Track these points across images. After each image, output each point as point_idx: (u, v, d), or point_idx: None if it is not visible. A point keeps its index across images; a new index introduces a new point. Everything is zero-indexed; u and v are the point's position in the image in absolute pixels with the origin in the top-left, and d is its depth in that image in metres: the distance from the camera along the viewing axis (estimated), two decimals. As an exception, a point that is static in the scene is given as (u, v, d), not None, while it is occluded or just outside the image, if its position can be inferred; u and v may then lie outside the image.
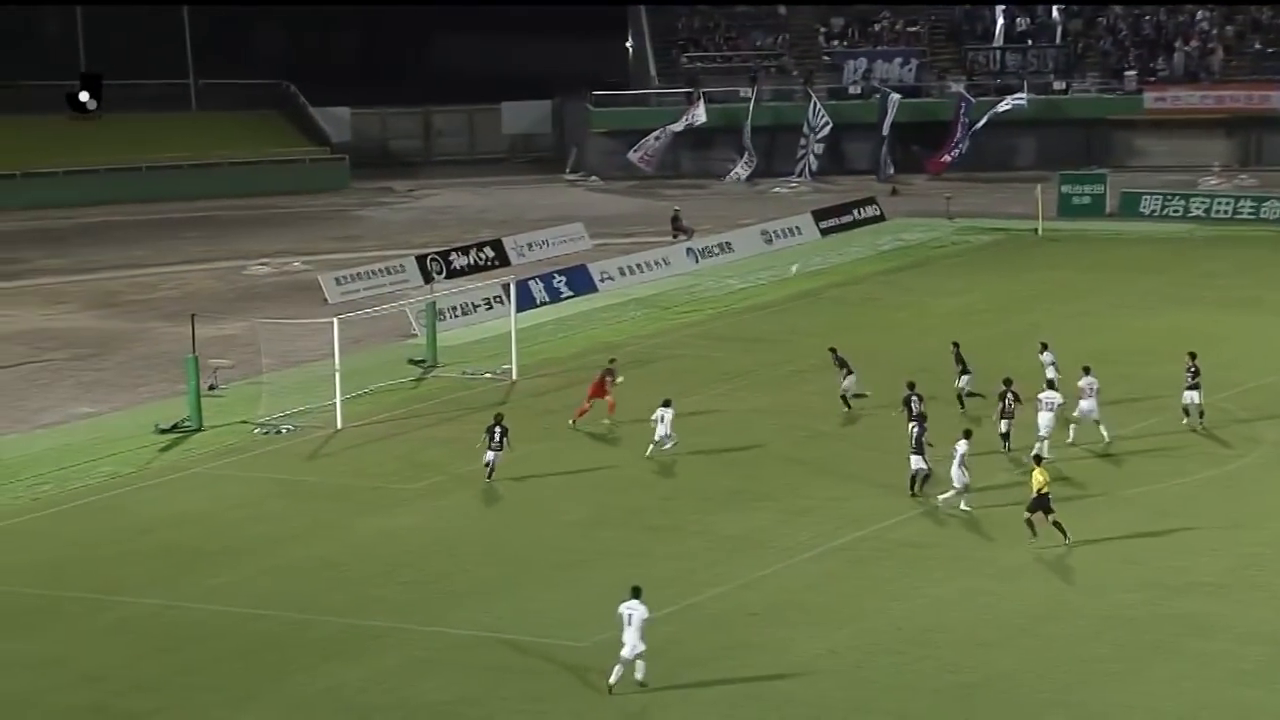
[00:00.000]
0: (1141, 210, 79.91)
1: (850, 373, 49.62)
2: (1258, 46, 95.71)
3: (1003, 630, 34.46)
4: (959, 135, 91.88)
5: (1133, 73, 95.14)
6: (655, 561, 38.73)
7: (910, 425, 42.95)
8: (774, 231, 76.87)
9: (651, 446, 45.67)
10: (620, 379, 49.20)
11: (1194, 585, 36.15)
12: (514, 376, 54.24)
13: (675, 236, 76.08)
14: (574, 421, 48.55)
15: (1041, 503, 38.05)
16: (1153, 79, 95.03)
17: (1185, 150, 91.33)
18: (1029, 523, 38.24)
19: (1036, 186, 78.89)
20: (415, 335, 59.03)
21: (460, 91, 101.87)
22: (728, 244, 74.62)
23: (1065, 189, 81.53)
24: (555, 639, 34.57)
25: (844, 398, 49.43)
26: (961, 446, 40.33)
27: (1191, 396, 45.75)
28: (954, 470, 40.17)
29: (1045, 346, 49.02)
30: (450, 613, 36.14)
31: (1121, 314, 60.81)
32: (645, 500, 42.92)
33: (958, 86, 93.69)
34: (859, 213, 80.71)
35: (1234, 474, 43.24)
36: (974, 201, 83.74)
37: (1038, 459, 39.96)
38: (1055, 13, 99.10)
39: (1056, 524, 37.93)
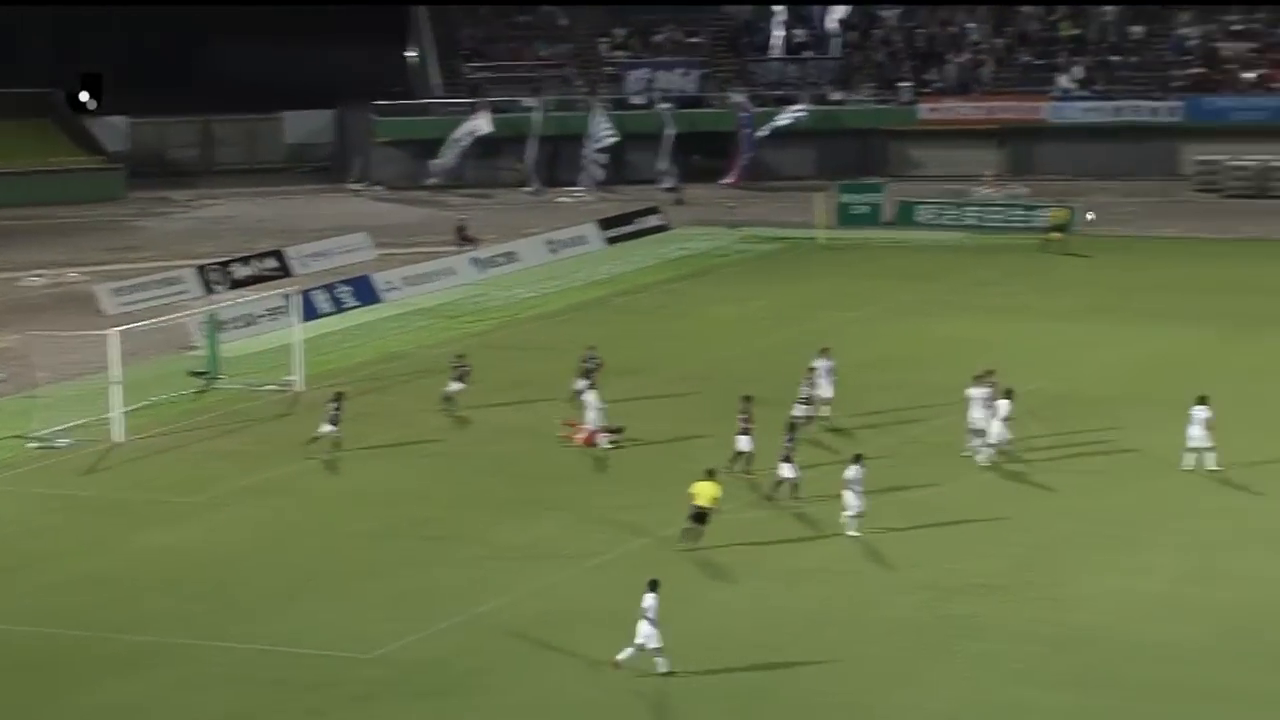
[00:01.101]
0: (917, 219, 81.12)
1: (461, 382, 50.45)
2: (1027, 58, 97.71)
3: (788, 634, 34.71)
4: (746, 145, 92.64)
5: (907, 84, 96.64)
6: (441, 571, 38.51)
7: (740, 435, 43.52)
8: (559, 241, 76.93)
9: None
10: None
11: (969, 587, 36.65)
12: (299, 388, 53.59)
13: (461, 246, 75.76)
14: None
15: (700, 516, 38.52)
16: (926, 90, 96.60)
17: (959, 160, 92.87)
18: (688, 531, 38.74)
19: (816, 196, 79.79)
20: (196, 347, 58.08)
21: (241, 100, 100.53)
22: (513, 253, 74.53)
23: (844, 198, 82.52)
24: (339, 651, 34.16)
25: (447, 398, 50.51)
26: (852, 471, 39.37)
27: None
28: (847, 495, 39.29)
29: (824, 352, 49.34)
30: (232, 626, 35.56)
31: (898, 321, 61.65)
32: (431, 511, 42.63)
33: (739, 97, 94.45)
34: (643, 222, 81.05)
35: (1007, 477, 43.95)
36: (755, 211, 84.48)
37: (743, 478, 40.54)
38: (832, 25, 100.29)
39: (691, 531, 38.53)
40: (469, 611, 36.05)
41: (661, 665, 32.01)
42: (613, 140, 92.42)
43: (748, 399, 44.64)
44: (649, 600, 32.13)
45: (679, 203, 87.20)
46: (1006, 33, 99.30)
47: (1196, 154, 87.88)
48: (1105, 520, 40.27)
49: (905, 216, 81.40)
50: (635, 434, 48.15)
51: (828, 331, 59.57)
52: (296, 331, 55.90)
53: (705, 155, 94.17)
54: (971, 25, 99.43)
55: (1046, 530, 39.98)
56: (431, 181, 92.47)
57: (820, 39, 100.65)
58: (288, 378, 54.32)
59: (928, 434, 46.88)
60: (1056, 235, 72.97)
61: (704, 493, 38.76)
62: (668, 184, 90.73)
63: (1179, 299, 62.63)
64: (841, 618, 35.45)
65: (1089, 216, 38.55)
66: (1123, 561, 37.65)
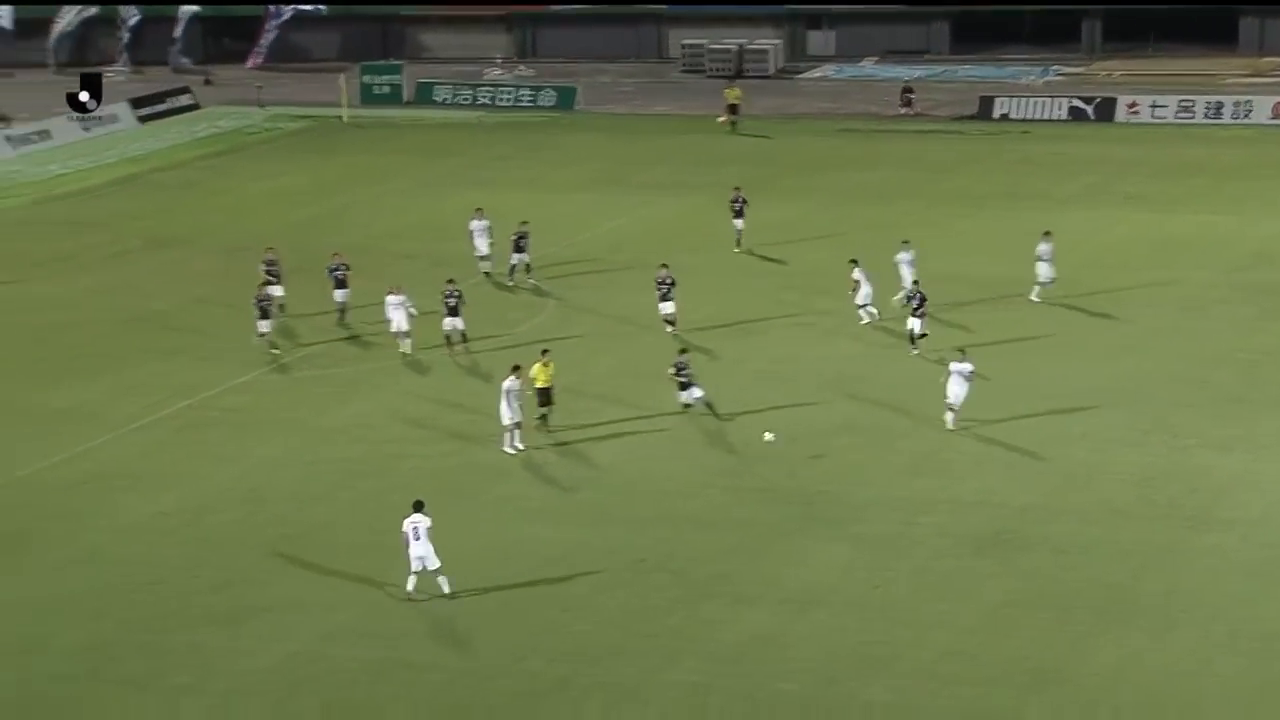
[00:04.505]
0: (435, 99, 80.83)
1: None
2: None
3: (324, 485, 34.60)
4: (268, 29, 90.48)
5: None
6: (-14, 438, 37.08)
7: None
8: (91, 119, 73.80)
9: None
10: None
11: (489, 436, 36.90)
12: None
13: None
14: None
15: (544, 395, 36.76)
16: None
17: (471, 44, 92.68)
18: (542, 417, 36.84)
19: (340, 76, 78.69)
20: None
21: None
22: (45, 131, 71.39)
23: (366, 79, 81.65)
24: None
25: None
26: (510, 383, 35.83)
27: (666, 308, 43.48)
28: (503, 407, 35.92)
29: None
30: None
31: (422, 194, 61.40)
32: (-27, 378, 40.91)
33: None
34: (174, 101, 78.71)
35: (529, 332, 44.11)
36: (283, 91, 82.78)
37: (545, 351, 37.65)
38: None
39: (543, 418, 36.79)
40: (9, 475, 34.85)
41: (445, 585, 29.47)
42: (137, 19, 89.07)
43: (451, 281, 42.75)
44: (423, 520, 29.33)
45: (208, 83, 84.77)
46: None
47: (683, 38, 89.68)
48: (601, 375, 40.95)
49: (424, 96, 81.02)
50: (163, 303, 47.06)
51: (357, 206, 59.16)
52: None
53: (233, 38, 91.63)
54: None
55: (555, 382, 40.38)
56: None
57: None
58: None
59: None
60: (726, 116, 71.48)
61: (540, 375, 36.73)
62: (185, 64, 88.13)
63: (675, 171, 64.01)
64: (372, 470, 35.48)
65: (768, 437, 34.70)
66: (626, 410, 38.41)
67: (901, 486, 33.92)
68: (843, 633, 28.37)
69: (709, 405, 36.75)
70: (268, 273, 44.52)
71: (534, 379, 36.83)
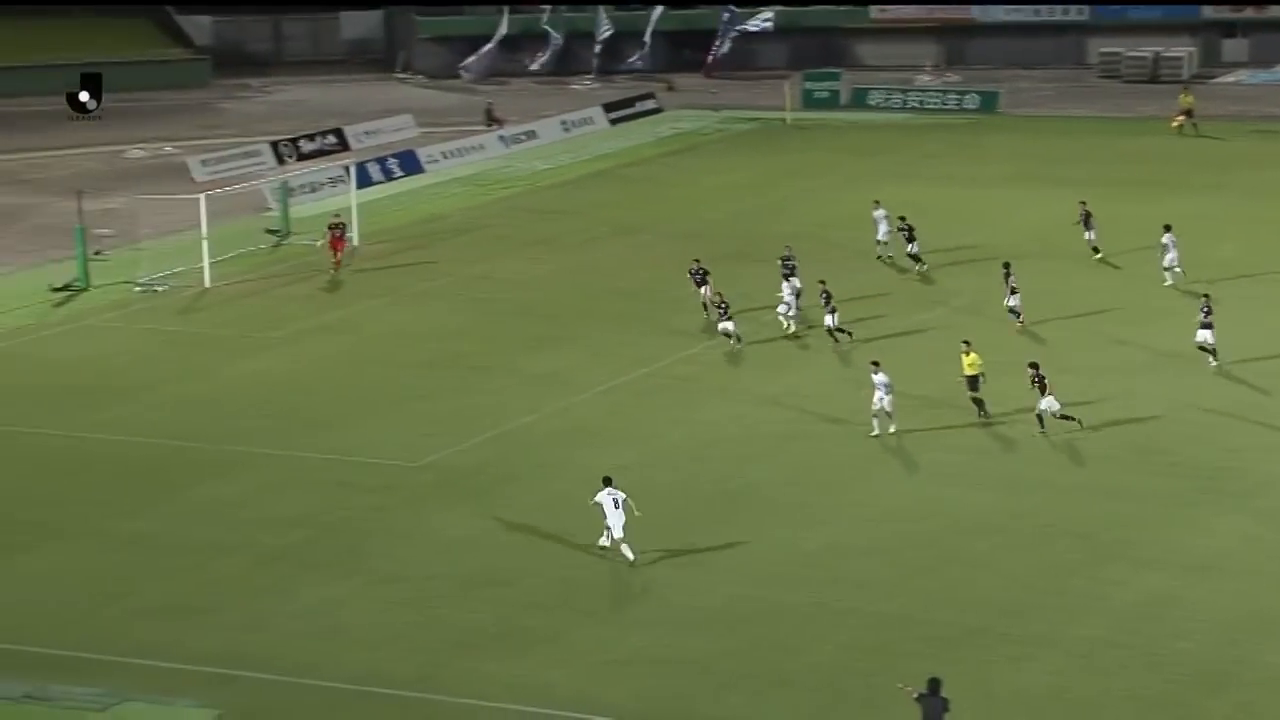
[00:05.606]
0: (869, 103, 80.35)
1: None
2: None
3: (760, 447, 34.88)
4: (721, 42, 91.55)
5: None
6: (477, 396, 38.63)
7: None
8: (571, 121, 76.23)
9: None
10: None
11: (905, 408, 36.54)
12: (355, 243, 53.41)
13: (489, 126, 75.10)
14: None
15: (972, 383, 35.75)
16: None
17: (904, 53, 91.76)
18: (974, 401, 35.90)
19: (784, 83, 79.06)
20: (271, 210, 57.78)
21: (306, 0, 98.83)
22: (533, 132, 73.88)
23: (808, 85, 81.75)
24: (393, 460, 34.41)
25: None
26: (879, 377, 34.82)
27: (1013, 302, 41.84)
28: (876, 395, 34.67)
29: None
30: (306, 439, 35.77)
31: (853, 188, 61.09)
32: (469, 346, 42.63)
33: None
34: (640, 105, 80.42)
35: (931, 320, 43.47)
36: (734, 96, 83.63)
37: (966, 342, 36.13)
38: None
39: (977, 400, 35.79)
40: (499, 428, 36.21)
41: (628, 552, 28.87)
42: (610, 33, 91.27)
43: (822, 281, 41.79)
44: (616, 492, 28.86)
45: (670, 89, 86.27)
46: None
47: (1101, 46, 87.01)
48: (1021, 350, 39.98)
49: (859, 100, 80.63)
50: (626, 282, 48.10)
51: (795, 198, 59.38)
52: (353, 196, 55.79)
53: (692, 49, 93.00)
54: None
55: (975, 358, 39.57)
56: (467, 78, 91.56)
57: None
58: (347, 235, 54.06)
59: (865, 286, 46.66)
60: (1181, 120, 68.33)
61: (968, 363, 35.80)
62: (641, 67, 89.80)
63: (1088, 168, 62.09)
64: (806, 433, 35.59)
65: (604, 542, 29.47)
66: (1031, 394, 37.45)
67: (1302, 467, 32.23)
68: (1242, 598, 27.16)
69: (1066, 417, 34.56)
70: (692, 276, 43.82)
71: (964, 366, 35.84)
